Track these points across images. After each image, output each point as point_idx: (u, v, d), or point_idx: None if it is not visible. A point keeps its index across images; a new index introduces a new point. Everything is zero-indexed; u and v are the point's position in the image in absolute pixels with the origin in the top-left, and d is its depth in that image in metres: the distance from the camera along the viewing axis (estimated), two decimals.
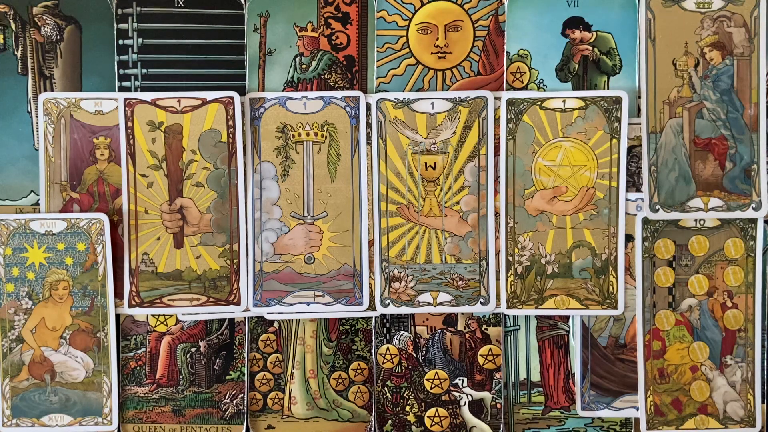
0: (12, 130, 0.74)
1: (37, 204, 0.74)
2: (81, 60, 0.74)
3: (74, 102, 0.73)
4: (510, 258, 0.74)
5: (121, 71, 0.73)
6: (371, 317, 0.76)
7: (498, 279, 0.74)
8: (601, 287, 0.73)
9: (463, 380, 0.76)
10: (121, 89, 0.73)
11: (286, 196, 0.74)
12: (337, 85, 0.74)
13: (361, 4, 0.74)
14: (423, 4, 0.74)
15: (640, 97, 0.72)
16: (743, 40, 0.72)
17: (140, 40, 0.73)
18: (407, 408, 0.76)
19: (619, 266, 0.73)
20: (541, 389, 0.76)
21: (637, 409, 0.74)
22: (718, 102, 0.72)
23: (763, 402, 0.75)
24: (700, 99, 0.72)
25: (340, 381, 0.76)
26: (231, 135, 0.73)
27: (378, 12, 0.74)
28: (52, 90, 0.73)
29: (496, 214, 0.73)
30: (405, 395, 0.76)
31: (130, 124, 0.72)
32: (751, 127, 0.72)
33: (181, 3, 0.73)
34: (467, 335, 0.76)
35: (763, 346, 0.74)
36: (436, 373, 0.76)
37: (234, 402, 0.76)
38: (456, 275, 0.74)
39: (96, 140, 0.73)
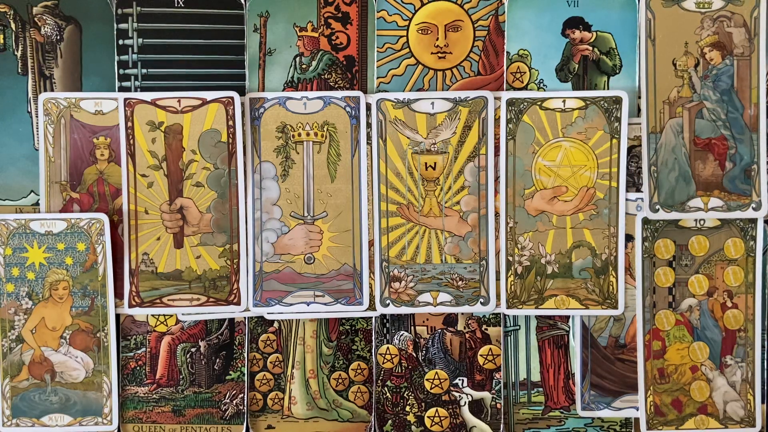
0: (12, 130, 0.74)
1: (37, 204, 0.74)
2: (81, 60, 0.74)
3: (74, 102, 0.73)
4: (510, 258, 0.74)
5: (121, 71, 0.73)
6: (371, 317, 0.76)
7: (498, 279, 0.74)
8: (601, 287, 0.73)
9: (463, 380, 0.76)
10: (121, 89, 0.73)
11: (286, 196, 0.74)
12: (337, 85, 0.74)
13: (361, 4, 0.74)
14: (423, 4, 0.74)
15: (640, 97, 0.72)
16: (743, 40, 0.72)
17: (140, 40, 0.73)
18: (407, 408, 0.76)
19: (619, 266, 0.73)
20: (541, 389, 0.76)
21: (637, 409, 0.74)
22: (718, 102, 0.72)
23: (763, 402, 0.75)
24: (700, 99, 0.72)
25: (340, 381, 0.76)
26: (231, 135, 0.73)
27: (378, 12, 0.74)
28: (52, 90, 0.73)
29: (496, 214, 0.73)
30: (405, 395, 0.76)
31: (130, 124, 0.72)
32: (751, 127, 0.72)
33: (181, 3, 0.73)
34: (467, 335, 0.76)
35: (763, 346, 0.74)
36: (436, 373, 0.76)
37: (234, 402, 0.76)
38: (456, 275, 0.74)
39: (96, 140, 0.73)
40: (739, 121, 0.72)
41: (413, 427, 0.76)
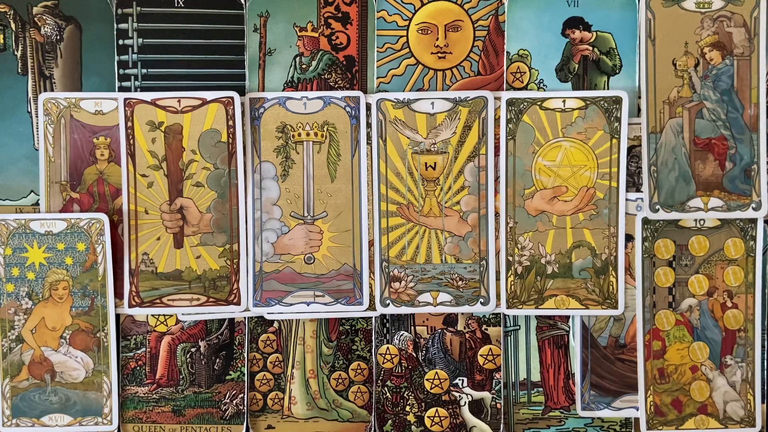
0: (12, 130, 0.74)
1: (37, 204, 0.74)
2: (81, 60, 0.74)
3: (74, 102, 0.73)
4: (510, 258, 0.74)
5: (121, 71, 0.73)
6: (371, 317, 0.76)
7: (498, 279, 0.74)
8: (601, 287, 0.73)
9: (463, 380, 0.76)
10: (121, 89, 0.73)
11: (286, 196, 0.74)
12: (337, 85, 0.74)
13: (361, 4, 0.74)
14: (423, 4, 0.74)
15: (640, 97, 0.72)
16: (743, 40, 0.72)
17: (140, 40, 0.73)
18: (407, 408, 0.76)
19: (619, 266, 0.73)
20: (541, 389, 0.76)
21: (637, 409, 0.74)
22: (718, 102, 0.72)
23: (763, 402, 0.75)
24: (700, 99, 0.72)
25: (340, 381, 0.76)
26: (231, 135, 0.73)
27: (378, 12, 0.74)
28: (52, 90, 0.73)
29: (496, 214, 0.73)
30: (405, 395, 0.76)
31: (130, 124, 0.72)
32: (751, 127, 0.72)
33: (181, 3, 0.73)
34: (467, 335, 0.76)
35: (763, 346, 0.74)
36: (436, 373, 0.76)
37: (234, 402, 0.76)
38: (456, 275, 0.74)
39: (96, 140, 0.73)
40: (739, 121, 0.72)
41: (413, 427, 0.76)
